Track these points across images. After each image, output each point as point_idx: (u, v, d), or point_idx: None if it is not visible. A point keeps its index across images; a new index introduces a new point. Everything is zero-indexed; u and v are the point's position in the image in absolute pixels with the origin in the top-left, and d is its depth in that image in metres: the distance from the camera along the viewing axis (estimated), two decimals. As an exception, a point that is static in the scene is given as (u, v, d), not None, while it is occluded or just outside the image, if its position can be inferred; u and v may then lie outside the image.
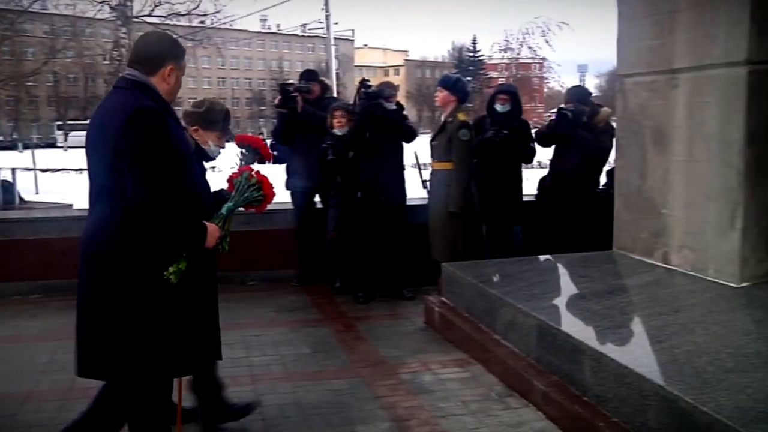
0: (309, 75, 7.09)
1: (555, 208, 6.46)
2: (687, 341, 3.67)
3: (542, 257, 5.73)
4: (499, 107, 6.47)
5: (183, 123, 3.42)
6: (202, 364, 3.16)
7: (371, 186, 6.14)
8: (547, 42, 34.24)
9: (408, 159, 6.45)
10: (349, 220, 6.30)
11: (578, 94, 6.71)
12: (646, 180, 5.15)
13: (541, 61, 41.75)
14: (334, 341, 5.25)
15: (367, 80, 6.56)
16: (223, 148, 3.78)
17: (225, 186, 3.42)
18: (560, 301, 4.61)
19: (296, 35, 79.74)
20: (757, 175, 4.36)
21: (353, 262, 6.41)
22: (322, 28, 33.17)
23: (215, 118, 3.72)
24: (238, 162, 3.80)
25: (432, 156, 6.31)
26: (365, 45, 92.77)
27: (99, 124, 2.85)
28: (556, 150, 6.61)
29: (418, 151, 6.58)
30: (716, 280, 4.52)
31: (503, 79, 33.90)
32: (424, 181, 6.44)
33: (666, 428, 3.05)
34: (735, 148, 4.38)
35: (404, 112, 6.69)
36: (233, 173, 3.40)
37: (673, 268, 4.89)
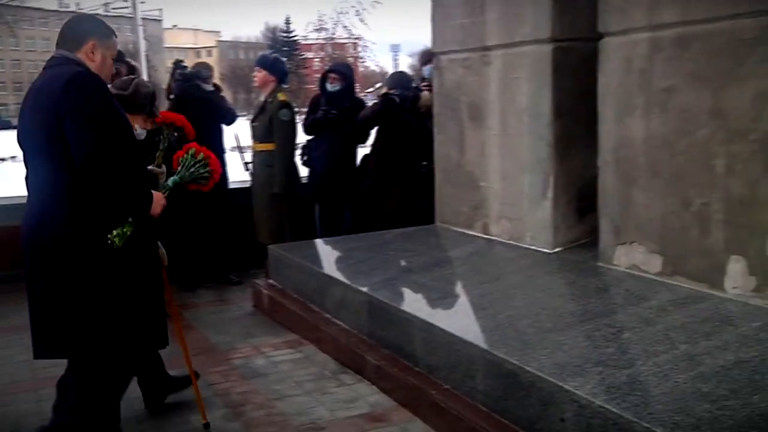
0: (116, 56, 6.73)
1: (379, 189, 6.52)
2: (508, 306, 3.86)
3: (369, 234, 5.79)
4: (329, 86, 6.39)
5: None
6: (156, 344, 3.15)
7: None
8: (361, 21, 34.58)
9: (228, 141, 6.29)
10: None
11: (400, 79, 6.80)
12: (465, 154, 5.33)
13: (356, 41, 42.15)
14: (159, 332, 5.04)
15: (182, 61, 6.32)
16: (150, 129, 3.61)
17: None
18: (388, 276, 4.67)
19: (99, 15, 75.46)
20: (565, 147, 4.61)
21: (176, 249, 6.16)
22: (127, 7, 31.60)
23: (142, 102, 3.55)
24: (161, 146, 3.59)
25: (253, 137, 6.19)
26: (174, 26, 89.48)
27: (33, 104, 2.76)
28: (378, 132, 6.64)
29: (238, 132, 6.43)
30: (532, 248, 4.76)
31: (318, 60, 33.89)
32: (245, 163, 6.31)
33: (494, 390, 3.18)
34: (544, 122, 4.61)
35: (221, 94, 6.52)
36: (178, 152, 3.32)
37: (493, 238, 5.11)
